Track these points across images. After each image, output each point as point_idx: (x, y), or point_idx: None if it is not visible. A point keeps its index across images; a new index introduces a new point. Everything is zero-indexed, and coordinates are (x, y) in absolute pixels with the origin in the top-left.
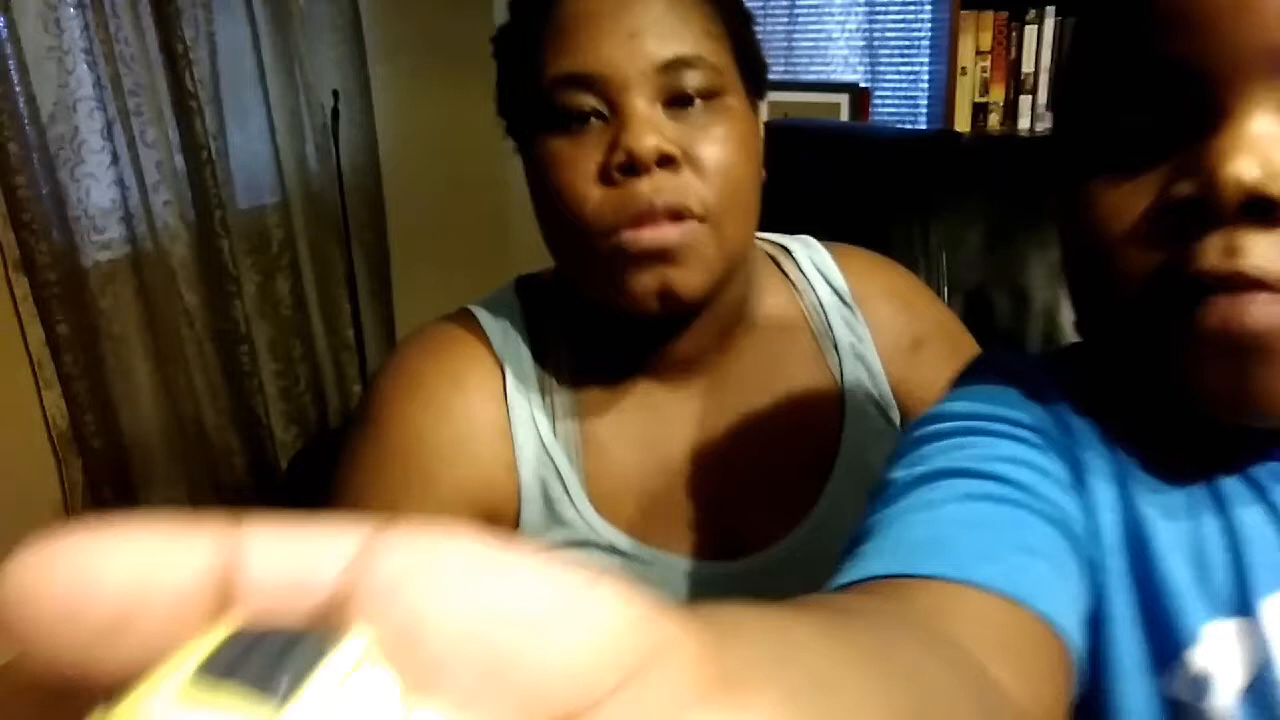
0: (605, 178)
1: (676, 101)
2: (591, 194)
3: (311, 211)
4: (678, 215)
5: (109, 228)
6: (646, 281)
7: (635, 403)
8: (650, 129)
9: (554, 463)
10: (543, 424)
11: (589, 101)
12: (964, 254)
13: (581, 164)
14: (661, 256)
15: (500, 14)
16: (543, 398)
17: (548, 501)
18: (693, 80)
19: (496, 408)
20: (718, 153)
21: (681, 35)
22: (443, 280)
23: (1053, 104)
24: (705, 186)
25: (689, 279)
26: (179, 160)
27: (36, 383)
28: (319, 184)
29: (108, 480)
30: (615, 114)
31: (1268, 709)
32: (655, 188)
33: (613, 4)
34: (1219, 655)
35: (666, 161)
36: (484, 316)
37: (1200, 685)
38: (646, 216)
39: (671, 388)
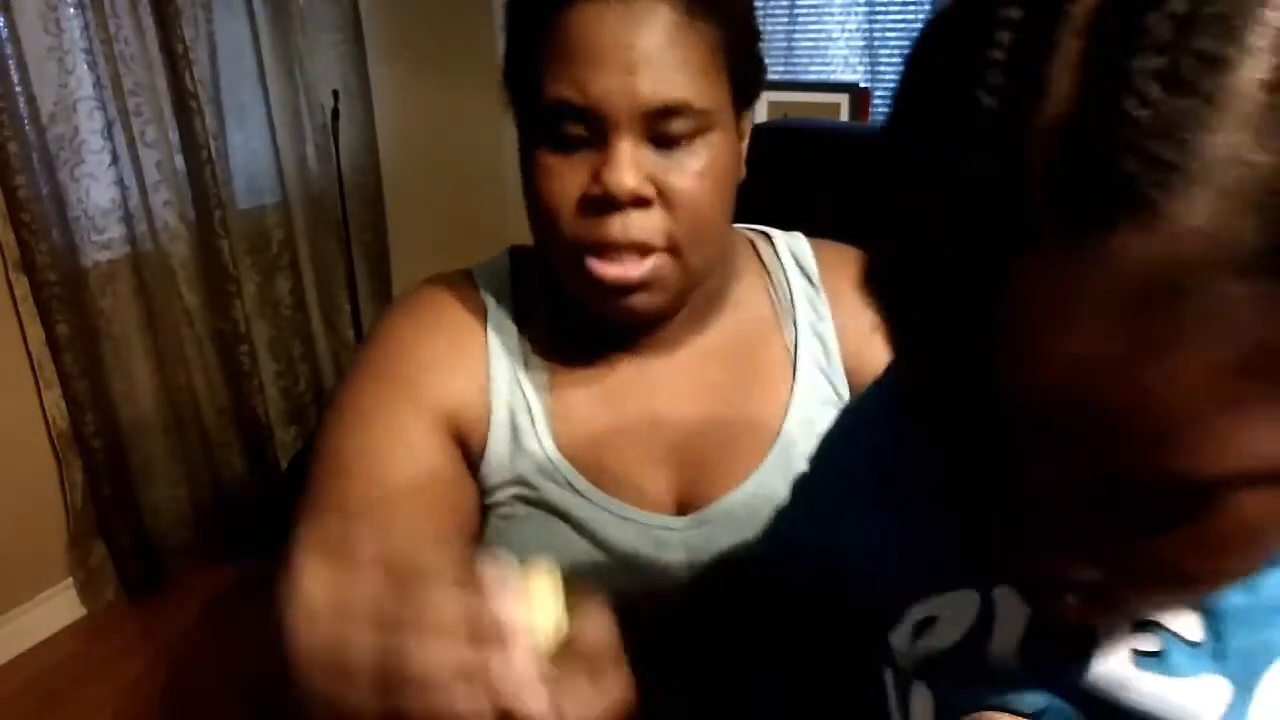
0: (584, 203)
1: (662, 141)
2: (567, 214)
3: (311, 211)
4: (641, 250)
5: (109, 228)
6: (611, 305)
7: (602, 365)
8: (630, 169)
9: (524, 395)
10: (517, 361)
11: (580, 130)
12: None
13: (564, 183)
14: (625, 289)
15: (500, 14)
16: (519, 342)
17: (515, 431)
18: (679, 126)
19: (476, 337)
20: (692, 189)
21: (676, 77)
22: None
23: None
24: (674, 222)
25: (651, 302)
26: (179, 160)
27: (36, 383)
28: (319, 184)
29: (108, 480)
30: (603, 145)
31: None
32: (625, 225)
33: (615, 33)
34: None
35: (640, 202)
36: (476, 270)
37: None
38: (612, 248)
39: (639, 357)
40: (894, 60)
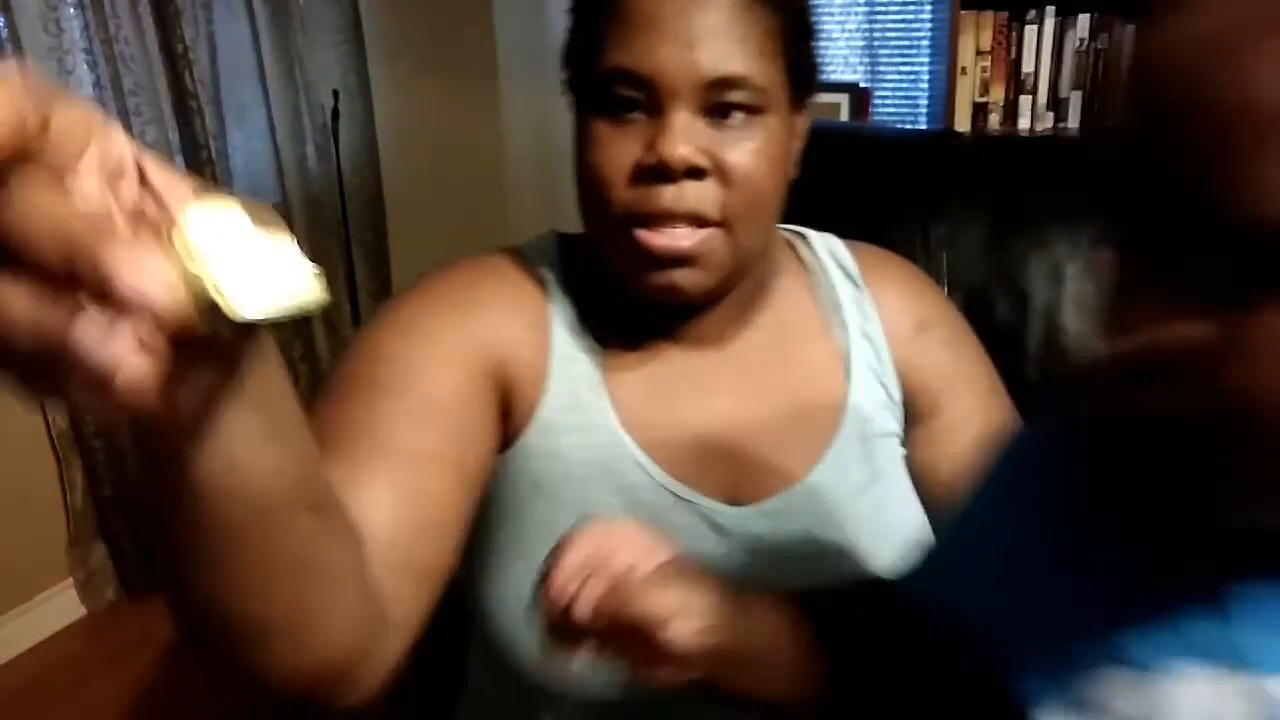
0: (636, 173)
1: (718, 112)
2: (619, 184)
3: (311, 211)
4: (695, 221)
5: None
6: (657, 279)
7: (653, 356)
8: (685, 139)
9: (587, 371)
10: (577, 336)
11: (636, 95)
12: (964, 254)
13: (617, 153)
14: (674, 261)
15: (500, 14)
16: (576, 319)
17: (577, 404)
18: (736, 97)
19: (539, 304)
20: (746, 164)
21: (735, 52)
22: None
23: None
24: (728, 195)
25: (696, 279)
26: (179, 160)
27: None
28: (319, 184)
29: (108, 480)
30: (658, 115)
31: None
32: (678, 195)
33: (676, 9)
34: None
35: (694, 172)
36: (523, 247)
37: None
38: (664, 218)
39: (688, 350)
40: (894, 60)
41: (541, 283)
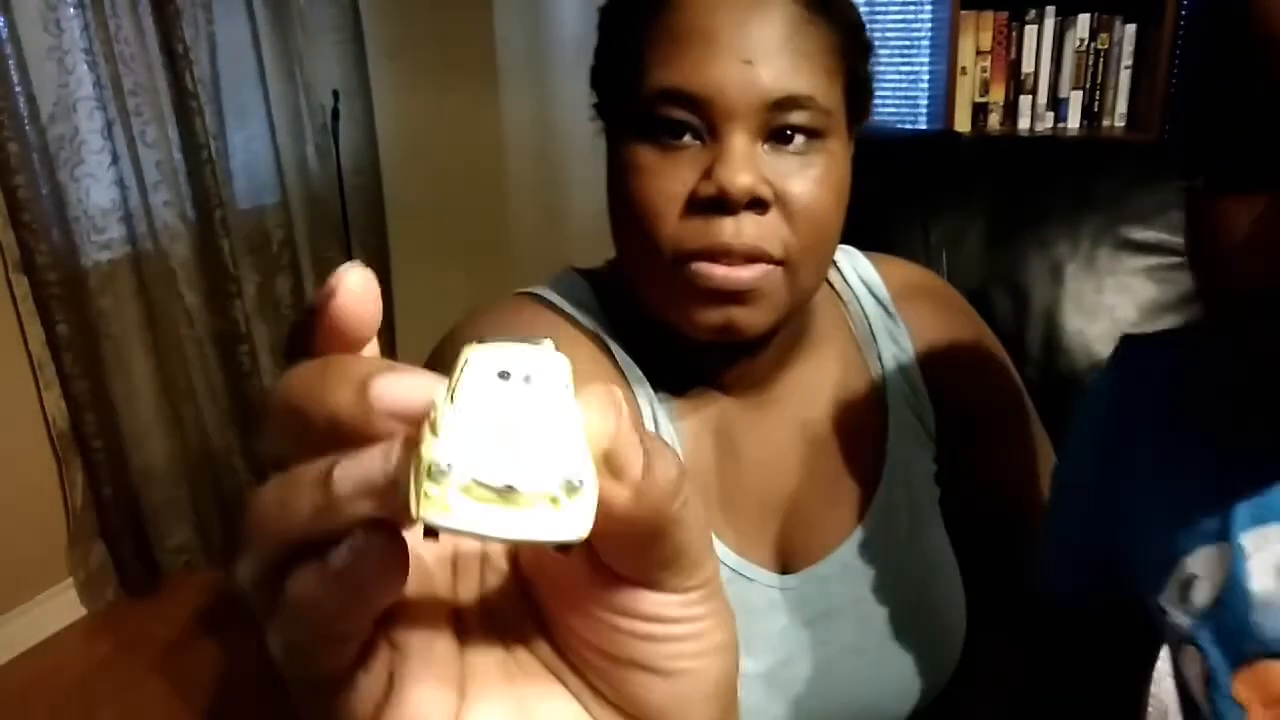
0: (691, 204)
1: (778, 136)
2: (672, 216)
3: (311, 211)
4: (755, 258)
5: (109, 228)
6: (711, 316)
7: (710, 405)
8: (747, 167)
9: (658, 424)
10: (641, 384)
11: (689, 119)
12: (964, 254)
13: (668, 182)
14: (731, 296)
15: (500, 14)
16: (635, 371)
17: None
18: (798, 119)
19: (603, 350)
20: (809, 196)
21: (797, 70)
22: (442, 280)
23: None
24: (790, 230)
25: (754, 318)
26: (179, 160)
27: (36, 383)
28: (319, 184)
29: (108, 480)
30: (714, 140)
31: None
32: (738, 229)
33: (732, 22)
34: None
35: (756, 204)
36: (554, 297)
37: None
38: (722, 253)
39: (741, 399)
40: (894, 60)
41: (588, 329)
